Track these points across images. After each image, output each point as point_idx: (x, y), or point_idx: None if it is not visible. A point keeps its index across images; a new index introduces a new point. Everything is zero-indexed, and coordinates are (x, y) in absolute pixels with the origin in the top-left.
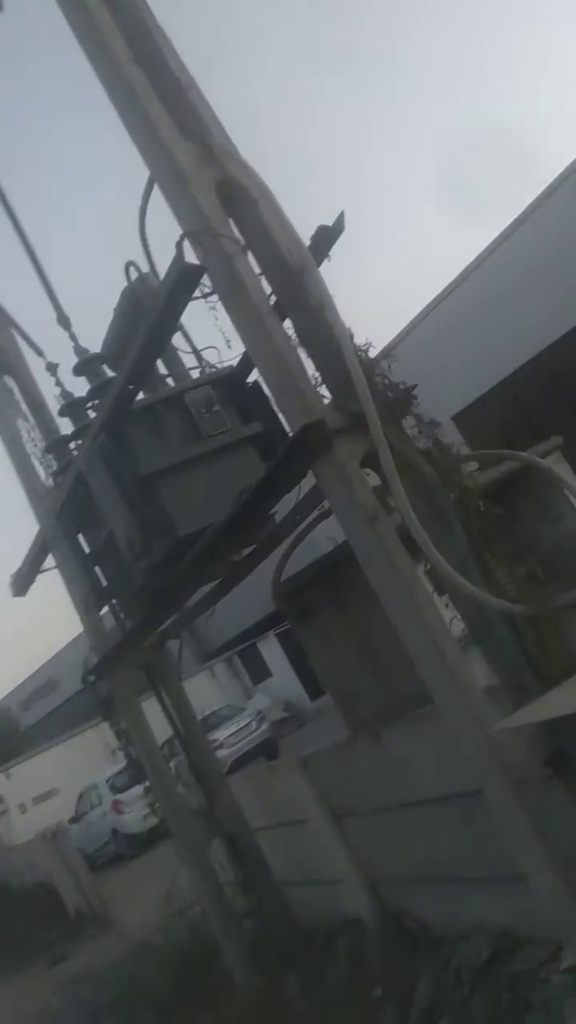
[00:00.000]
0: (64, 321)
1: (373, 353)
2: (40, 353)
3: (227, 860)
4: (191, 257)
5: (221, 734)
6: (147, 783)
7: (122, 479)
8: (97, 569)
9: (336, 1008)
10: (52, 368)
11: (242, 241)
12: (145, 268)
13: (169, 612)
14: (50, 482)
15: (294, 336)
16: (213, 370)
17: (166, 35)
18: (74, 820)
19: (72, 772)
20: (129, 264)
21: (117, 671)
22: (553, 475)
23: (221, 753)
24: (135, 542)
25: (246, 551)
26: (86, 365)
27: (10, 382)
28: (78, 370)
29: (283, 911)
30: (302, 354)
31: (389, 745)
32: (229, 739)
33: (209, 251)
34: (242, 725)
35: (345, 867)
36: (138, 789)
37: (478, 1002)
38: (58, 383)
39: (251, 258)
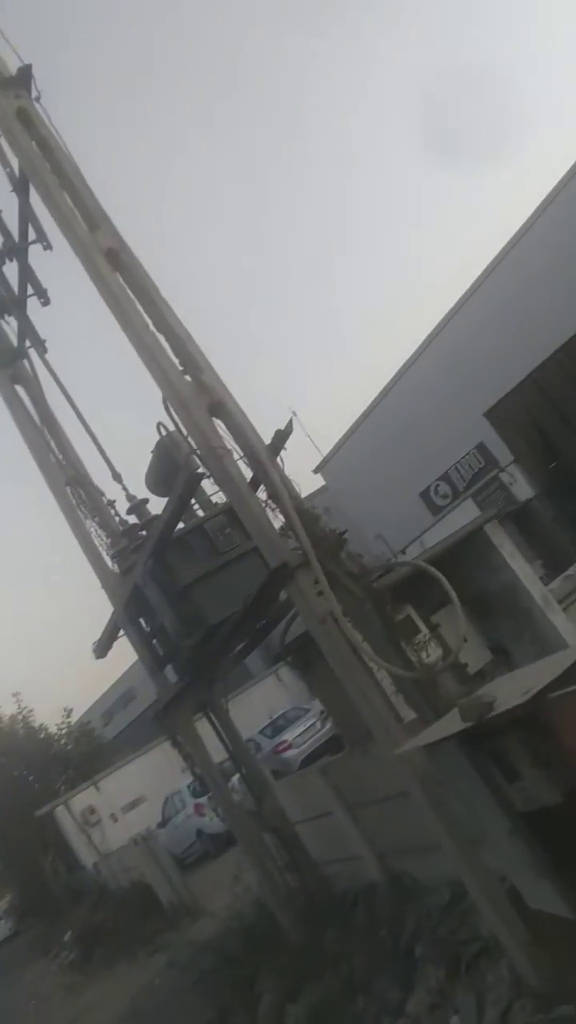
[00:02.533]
0: (117, 477)
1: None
2: (111, 466)
3: (276, 848)
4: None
5: (289, 735)
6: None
7: (166, 589)
8: (155, 641)
9: (357, 946)
10: (118, 477)
11: (227, 446)
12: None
13: (209, 671)
14: (117, 569)
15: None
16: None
17: (168, 303)
18: (162, 824)
19: (155, 780)
20: (159, 424)
21: (177, 711)
22: (432, 573)
23: (290, 753)
24: (179, 630)
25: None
26: (135, 508)
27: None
28: (129, 511)
29: (321, 883)
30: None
31: (371, 757)
32: (297, 739)
33: (207, 456)
34: (308, 725)
35: (360, 845)
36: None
37: (442, 930)
38: (124, 488)
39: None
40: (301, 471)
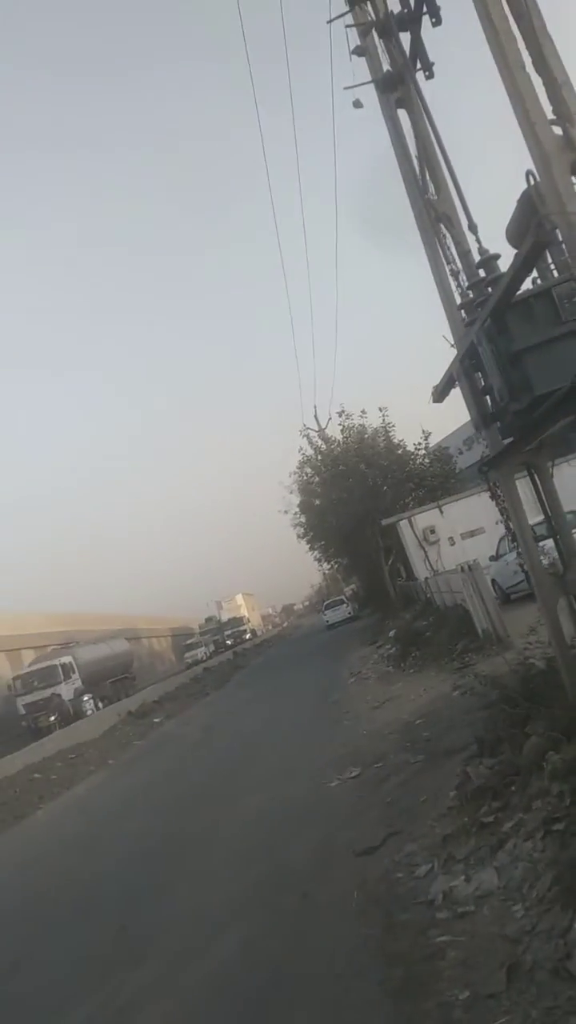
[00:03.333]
0: (473, 227)
1: None
2: (468, 213)
3: (573, 614)
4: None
5: None
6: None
7: (499, 350)
8: (487, 399)
9: None
10: (474, 228)
11: None
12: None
13: (531, 439)
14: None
15: None
16: None
17: (552, 40)
18: (494, 558)
19: (496, 516)
20: (528, 172)
21: (502, 466)
22: None
23: None
24: (505, 395)
25: None
26: (485, 262)
27: (444, 230)
28: (479, 264)
29: None
30: None
31: None
32: None
33: (560, 221)
34: None
35: None
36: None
37: None
38: (477, 240)
39: None
40: None
